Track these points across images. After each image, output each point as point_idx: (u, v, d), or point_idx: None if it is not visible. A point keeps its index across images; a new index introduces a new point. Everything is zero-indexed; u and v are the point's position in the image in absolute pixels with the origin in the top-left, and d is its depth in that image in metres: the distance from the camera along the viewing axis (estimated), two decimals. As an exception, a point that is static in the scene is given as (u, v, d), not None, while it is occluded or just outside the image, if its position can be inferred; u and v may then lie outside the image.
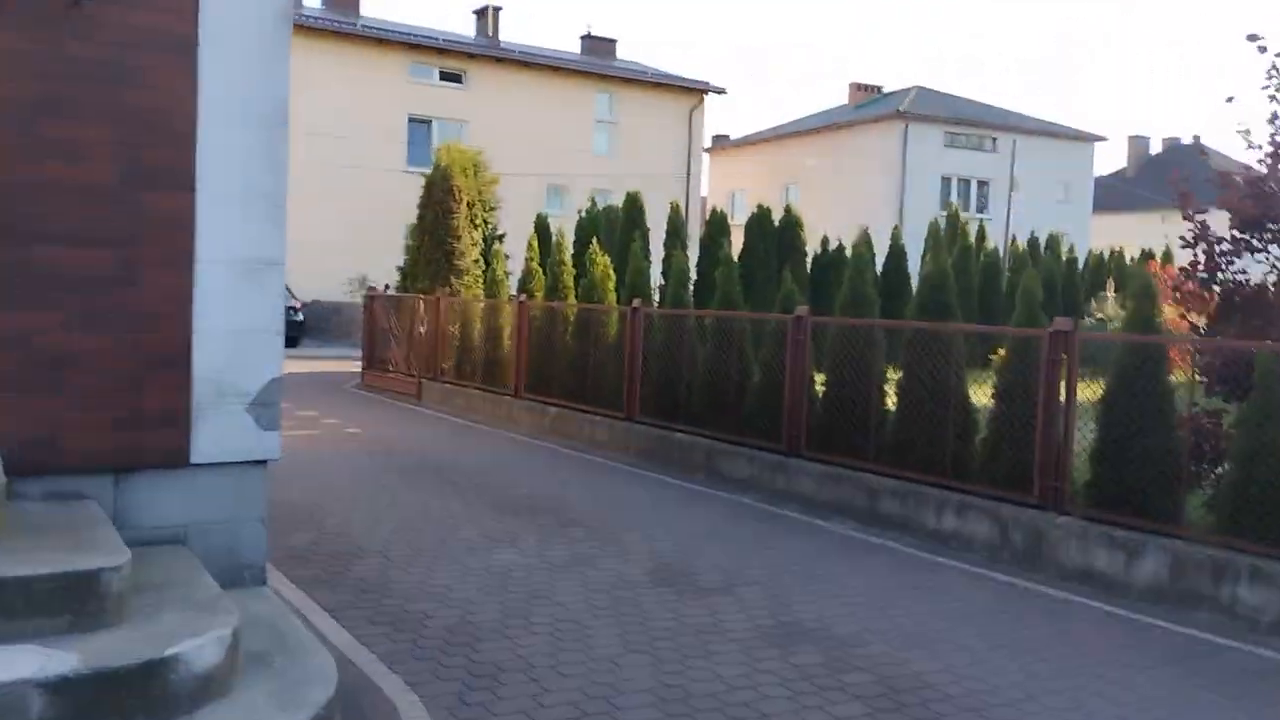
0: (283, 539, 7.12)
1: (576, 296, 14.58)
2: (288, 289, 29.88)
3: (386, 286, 22.65)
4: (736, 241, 22.08)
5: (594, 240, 15.79)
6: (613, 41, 41.96)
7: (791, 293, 10.63)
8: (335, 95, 32.19)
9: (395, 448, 11.92)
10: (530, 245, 16.62)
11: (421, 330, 16.42)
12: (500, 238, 21.00)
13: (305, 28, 32.04)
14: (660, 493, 9.85)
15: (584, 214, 21.79)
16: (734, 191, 48.47)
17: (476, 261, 19.00)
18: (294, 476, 9.19)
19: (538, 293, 15.38)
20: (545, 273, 15.55)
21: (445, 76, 35.10)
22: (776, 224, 23.65)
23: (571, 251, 16.11)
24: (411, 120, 33.85)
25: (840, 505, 8.96)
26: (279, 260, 5.40)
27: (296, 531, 7.58)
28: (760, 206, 23.97)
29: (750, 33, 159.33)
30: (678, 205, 21.38)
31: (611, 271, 14.29)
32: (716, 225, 22.39)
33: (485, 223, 20.10)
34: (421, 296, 17.24)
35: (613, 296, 14.09)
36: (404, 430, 13.52)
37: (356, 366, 21.04)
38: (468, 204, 19.02)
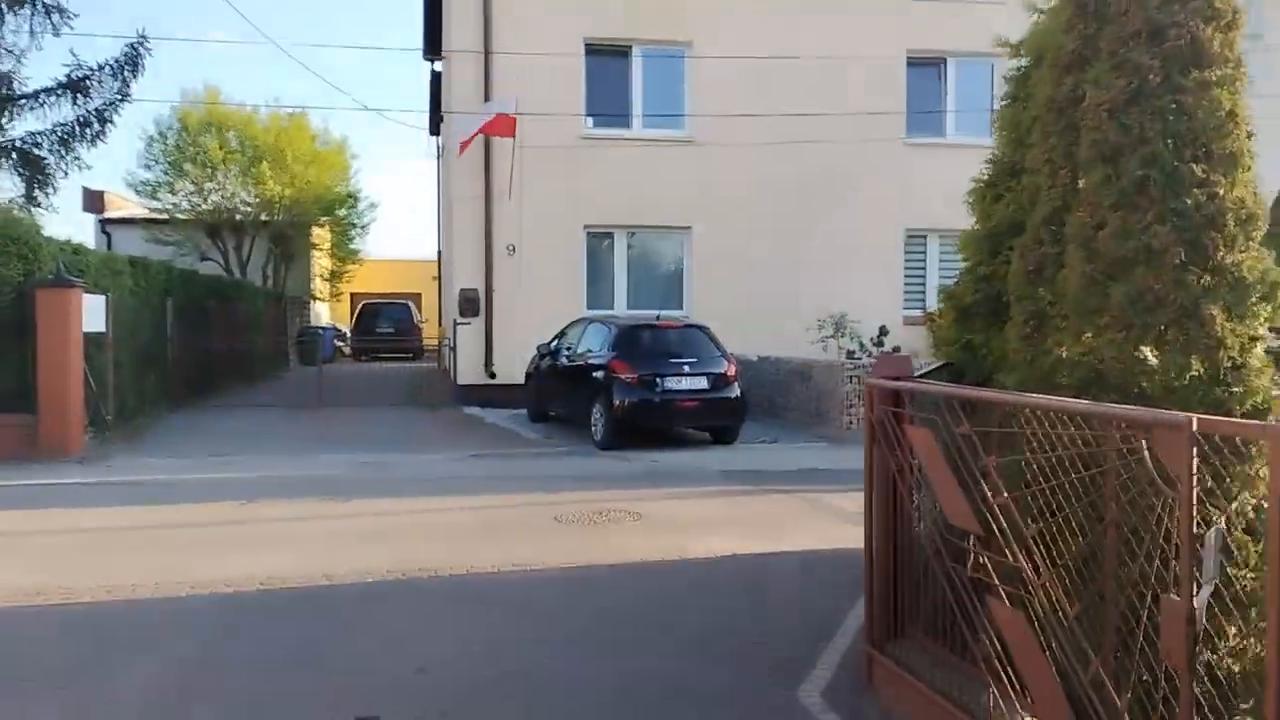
0: None
1: None
2: (714, 342, 13.09)
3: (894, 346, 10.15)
4: None
5: None
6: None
7: None
8: (807, 30, 20.47)
9: None
10: None
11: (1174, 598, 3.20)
12: None
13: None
14: None
15: None
16: None
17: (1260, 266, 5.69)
18: None
19: None
20: None
21: (964, -12, 22.15)
22: None
23: None
24: (912, 62, 21.30)
25: None
26: None
27: None
28: None
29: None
30: None
31: None
32: None
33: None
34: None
35: None
36: None
37: (830, 503, 9.74)
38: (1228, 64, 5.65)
